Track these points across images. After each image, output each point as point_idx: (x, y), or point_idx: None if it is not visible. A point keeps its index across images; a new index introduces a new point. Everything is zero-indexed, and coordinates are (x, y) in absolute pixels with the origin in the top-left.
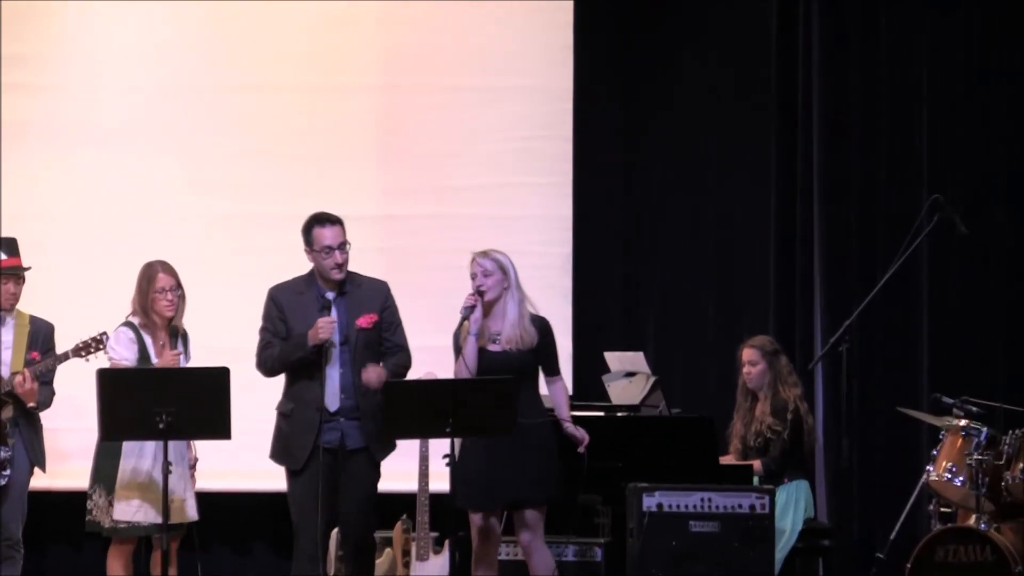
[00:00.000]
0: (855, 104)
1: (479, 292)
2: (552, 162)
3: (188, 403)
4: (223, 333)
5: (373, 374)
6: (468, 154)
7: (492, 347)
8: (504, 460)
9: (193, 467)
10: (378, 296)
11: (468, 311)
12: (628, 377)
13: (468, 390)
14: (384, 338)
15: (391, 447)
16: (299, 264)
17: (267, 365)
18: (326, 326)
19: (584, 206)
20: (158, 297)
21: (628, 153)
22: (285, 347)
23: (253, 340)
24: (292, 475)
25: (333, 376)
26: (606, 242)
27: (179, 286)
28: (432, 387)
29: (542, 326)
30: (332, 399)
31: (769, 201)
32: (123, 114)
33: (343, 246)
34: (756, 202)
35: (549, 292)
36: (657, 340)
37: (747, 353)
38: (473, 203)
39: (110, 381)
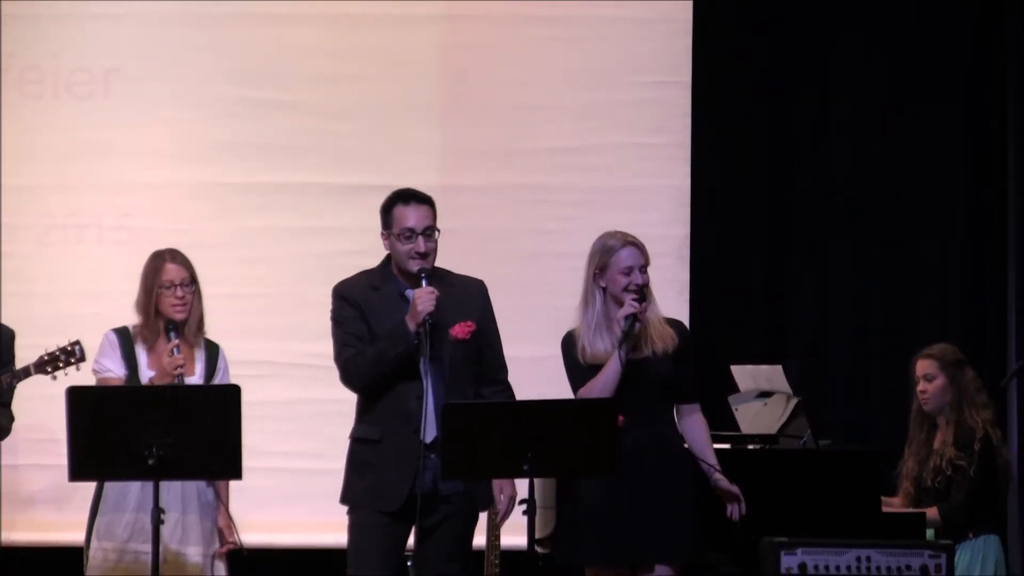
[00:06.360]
0: None
1: (639, 290)
2: (666, 117)
3: (187, 432)
4: (236, 340)
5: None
6: (556, 106)
7: (632, 353)
8: (635, 505)
9: (230, 544)
10: (475, 299)
11: (635, 322)
12: (762, 398)
13: (553, 415)
14: (484, 356)
15: (489, 495)
16: (338, 251)
17: (360, 376)
18: (426, 296)
19: (705, 175)
20: (164, 294)
21: (770, 105)
22: (379, 344)
23: (274, 350)
24: (371, 521)
25: (426, 397)
26: (735, 222)
27: (193, 281)
28: (504, 411)
29: (681, 329)
30: (428, 426)
31: (958, 177)
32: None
33: (430, 232)
34: (940, 179)
35: (661, 286)
36: (802, 350)
37: (922, 366)
38: (561, 170)
39: (83, 402)
